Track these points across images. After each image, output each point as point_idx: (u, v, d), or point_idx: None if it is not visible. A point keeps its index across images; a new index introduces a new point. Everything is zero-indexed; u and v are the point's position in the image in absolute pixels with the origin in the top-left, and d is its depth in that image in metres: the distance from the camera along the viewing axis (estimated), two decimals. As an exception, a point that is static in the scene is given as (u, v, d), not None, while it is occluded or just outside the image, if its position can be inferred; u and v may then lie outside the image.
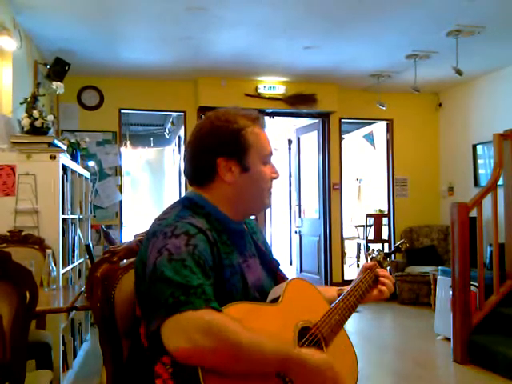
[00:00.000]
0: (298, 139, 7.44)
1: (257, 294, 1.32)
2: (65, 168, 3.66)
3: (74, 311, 3.42)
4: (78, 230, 4.35)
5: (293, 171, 8.41)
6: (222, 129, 1.33)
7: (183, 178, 6.63)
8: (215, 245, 1.24)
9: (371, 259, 1.60)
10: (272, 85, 6.20)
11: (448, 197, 6.68)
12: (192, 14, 4.09)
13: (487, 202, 4.15)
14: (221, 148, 1.32)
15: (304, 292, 1.37)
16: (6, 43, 3.65)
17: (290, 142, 9.06)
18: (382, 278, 1.52)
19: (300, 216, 7.39)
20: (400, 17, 4.24)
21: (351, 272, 8.09)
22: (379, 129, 8.06)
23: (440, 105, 6.92)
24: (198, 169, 1.36)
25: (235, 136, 1.32)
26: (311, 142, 6.99)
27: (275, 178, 1.41)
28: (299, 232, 7.34)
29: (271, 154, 1.39)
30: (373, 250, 1.65)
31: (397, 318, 5.72)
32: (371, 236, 8.34)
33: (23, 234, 3.18)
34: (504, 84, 5.76)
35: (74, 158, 4.33)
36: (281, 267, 1.52)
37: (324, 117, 6.62)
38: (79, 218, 4.36)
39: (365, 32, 4.61)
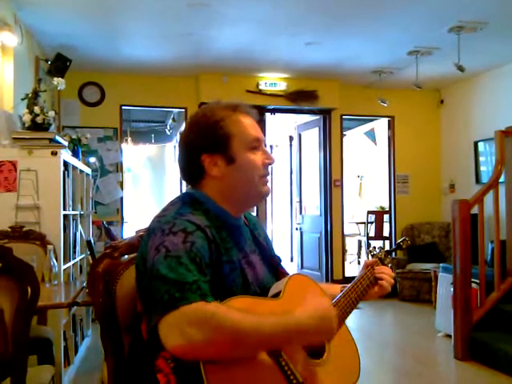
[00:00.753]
0: (299, 136, 7.43)
1: (258, 290, 1.32)
2: (66, 164, 3.66)
3: (75, 307, 3.43)
4: (79, 226, 4.36)
5: (294, 168, 8.41)
6: (201, 124, 1.32)
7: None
8: (213, 242, 1.24)
9: (372, 256, 1.60)
10: (273, 81, 6.20)
11: (449, 194, 6.68)
12: (193, 10, 4.08)
13: (489, 199, 4.15)
14: (202, 144, 1.31)
15: (305, 287, 1.37)
16: (8, 39, 3.65)
17: (291, 138, 9.06)
18: (378, 274, 1.52)
19: (301, 213, 7.39)
20: (402, 13, 4.23)
21: (352, 269, 8.10)
22: (380, 126, 8.05)
23: (442, 101, 6.91)
24: (188, 169, 1.36)
25: (214, 128, 1.31)
26: (312, 138, 6.98)
27: (269, 164, 1.36)
28: (300, 229, 7.34)
29: (259, 139, 1.35)
30: (374, 247, 1.65)
31: (398, 315, 5.72)
32: (372, 233, 8.35)
33: (24, 229, 3.18)
34: (506, 80, 5.75)
35: (75, 154, 4.33)
36: (282, 263, 1.51)
37: (325, 113, 6.60)
38: (80, 214, 4.36)
39: (366, 28, 4.60)
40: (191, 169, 1.35)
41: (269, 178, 1.38)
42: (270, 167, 1.38)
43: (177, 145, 8.52)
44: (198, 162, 1.32)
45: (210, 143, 1.31)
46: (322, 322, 1.15)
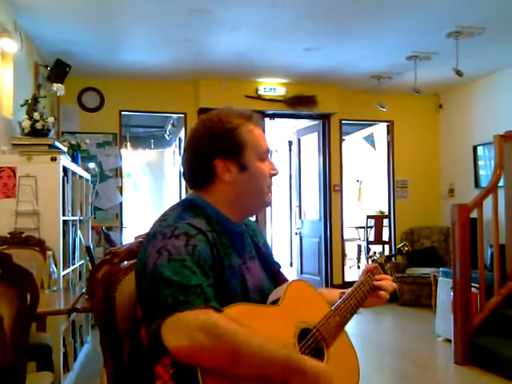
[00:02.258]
0: (299, 141, 7.44)
1: (257, 296, 1.32)
2: (65, 170, 3.66)
3: (74, 313, 3.42)
4: (79, 232, 4.35)
5: (293, 172, 8.41)
6: (215, 129, 1.33)
7: (183, 180, 6.63)
8: (215, 246, 1.24)
9: (373, 262, 1.59)
10: (272, 86, 6.21)
11: (448, 198, 6.68)
12: (193, 16, 4.10)
13: (488, 203, 4.15)
14: (217, 149, 1.32)
15: (304, 293, 1.36)
16: (7, 45, 3.66)
17: (290, 143, 9.07)
18: (377, 283, 1.49)
19: (300, 217, 7.39)
20: (400, 18, 4.25)
21: (352, 273, 8.09)
22: (379, 130, 8.07)
23: (440, 106, 6.92)
24: (197, 172, 1.36)
25: (230, 135, 1.31)
26: (311, 143, 6.99)
27: (274, 175, 1.39)
28: (299, 233, 7.33)
29: (268, 150, 1.39)
30: (374, 252, 1.65)
31: (397, 320, 5.71)
32: (372, 237, 8.34)
33: (24, 235, 3.18)
34: (504, 85, 5.76)
35: (74, 159, 4.33)
36: (281, 270, 1.51)
37: (324, 118, 6.62)
38: (80, 220, 4.36)
39: (365, 33, 4.62)
40: (201, 172, 1.34)
41: (272, 188, 1.41)
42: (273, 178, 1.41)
43: (176, 150, 8.55)
44: (209, 166, 1.32)
45: (224, 148, 1.31)
46: (321, 378, 1.12)
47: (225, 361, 1.03)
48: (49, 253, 3.00)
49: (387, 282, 1.50)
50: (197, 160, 1.34)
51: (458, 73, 4.90)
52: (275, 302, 1.27)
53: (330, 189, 6.63)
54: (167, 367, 1.13)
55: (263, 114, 6.23)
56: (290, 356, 1.10)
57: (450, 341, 4.20)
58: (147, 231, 1.30)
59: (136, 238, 1.52)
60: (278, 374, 1.09)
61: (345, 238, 7.15)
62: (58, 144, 3.57)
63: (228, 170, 1.32)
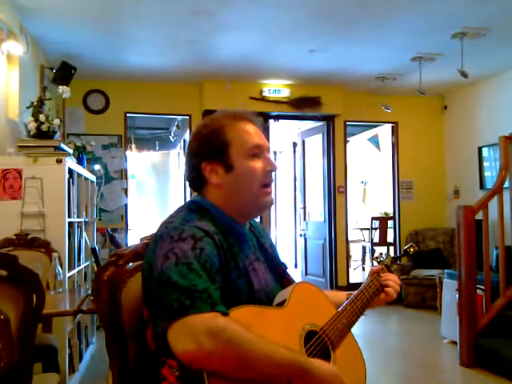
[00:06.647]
0: (303, 142, 7.44)
1: (263, 298, 1.31)
2: (71, 171, 3.68)
3: (80, 314, 3.43)
4: (84, 234, 4.37)
5: (298, 174, 8.41)
6: (202, 133, 1.35)
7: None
8: (221, 248, 1.24)
9: (379, 263, 1.59)
10: (277, 88, 6.21)
11: (453, 199, 6.66)
12: (198, 17, 4.11)
13: (493, 204, 4.13)
14: (202, 152, 1.33)
15: (310, 296, 1.36)
16: (13, 48, 3.68)
17: (294, 144, 9.07)
18: (384, 281, 1.51)
19: (305, 219, 7.38)
20: (405, 19, 4.24)
21: (356, 275, 8.08)
22: (384, 131, 8.05)
23: (445, 107, 6.91)
24: (191, 177, 1.37)
25: (213, 137, 1.32)
26: (316, 144, 6.99)
27: (270, 171, 1.34)
28: (304, 235, 7.32)
29: (259, 146, 1.33)
30: (380, 253, 1.64)
31: (403, 322, 5.70)
32: (376, 239, 8.33)
33: (29, 237, 3.19)
34: (510, 86, 5.74)
35: (79, 161, 4.35)
36: (288, 271, 1.51)
37: (329, 120, 6.61)
38: (85, 222, 4.37)
39: (370, 34, 4.62)
40: (194, 177, 1.36)
41: (271, 188, 1.36)
42: (273, 174, 1.37)
43: (181, 152, 8.56)
44: (199, 170, 1.33)
45: (209, 151, 1.32)
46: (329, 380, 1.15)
47: (232, 365, 1.03)
48: (54, 254, 3.02)
49: (393, 280, 1.51)
50: (189, 164, 1.37)
51: (463, 74, 4.89)
52: (281, 304, 1.26)
53: (335, 190, 6.63)
54: (173, 369, 1.13)
55: (267, 116, 6.24)
56: (298, 360, 1.10)
57: (455, 343, 4.19)
58: (154, 233, 1.30)
59: (141, 239, 1.52)
60: (286, 377, 1.09)
61: (349, 239, 7.14)
62: (63, 146, 3.58)
63: (216, 172, 1.32)
